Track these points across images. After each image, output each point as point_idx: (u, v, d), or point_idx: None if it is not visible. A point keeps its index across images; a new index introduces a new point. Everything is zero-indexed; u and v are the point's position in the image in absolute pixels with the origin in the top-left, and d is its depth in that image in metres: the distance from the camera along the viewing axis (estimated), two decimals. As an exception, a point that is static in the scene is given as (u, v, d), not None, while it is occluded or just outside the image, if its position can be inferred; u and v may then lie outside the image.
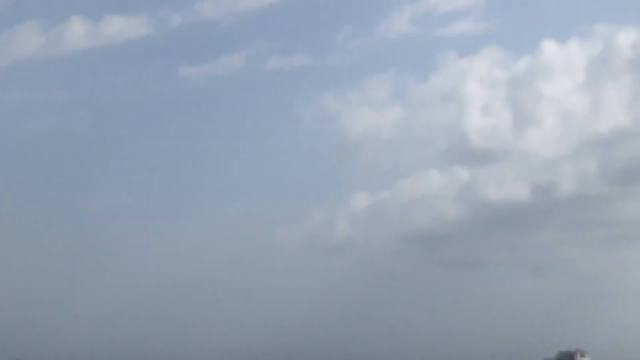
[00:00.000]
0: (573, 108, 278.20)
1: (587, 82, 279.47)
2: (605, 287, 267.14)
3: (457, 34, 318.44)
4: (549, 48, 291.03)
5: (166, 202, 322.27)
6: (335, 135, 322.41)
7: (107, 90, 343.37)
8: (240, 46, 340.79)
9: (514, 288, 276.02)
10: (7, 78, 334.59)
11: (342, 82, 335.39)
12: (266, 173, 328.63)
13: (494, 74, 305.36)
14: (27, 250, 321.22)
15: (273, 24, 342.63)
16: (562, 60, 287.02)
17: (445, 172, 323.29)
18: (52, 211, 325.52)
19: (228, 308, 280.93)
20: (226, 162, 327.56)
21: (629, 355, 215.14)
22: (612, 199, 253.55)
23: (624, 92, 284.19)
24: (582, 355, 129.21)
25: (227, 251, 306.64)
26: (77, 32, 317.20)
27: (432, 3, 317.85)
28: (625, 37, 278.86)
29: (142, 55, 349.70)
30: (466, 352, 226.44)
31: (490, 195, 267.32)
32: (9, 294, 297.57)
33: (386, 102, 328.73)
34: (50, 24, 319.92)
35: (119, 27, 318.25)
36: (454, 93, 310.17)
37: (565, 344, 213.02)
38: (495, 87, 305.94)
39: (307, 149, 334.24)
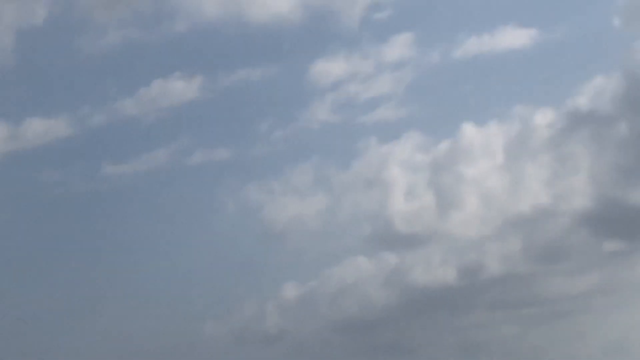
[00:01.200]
0: (494, 188, 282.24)
1: (507, 162, 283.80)
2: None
3: (377, 120, 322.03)
4: (468, 131, 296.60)
5: (87, 301, 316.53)
6: (259, 225, 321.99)
7: (29, 191, 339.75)
8: (163, 142, 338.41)
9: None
10: None
11: (266, 173, 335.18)
12: (192, 266, 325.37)
13: (415, 158, 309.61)
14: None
15: (195, 119, 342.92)
16: (482, 142, 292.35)
17: (373, 257, 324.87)
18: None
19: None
20: (150, 257, 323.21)
21: None
22: (537, 277, 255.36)
23: (543, 171, 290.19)
24: None
25: (155, 347, 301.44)
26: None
27: (352, 91, 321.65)
28: (542, 118, 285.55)
29: (64, 155, 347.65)
30: None
31: (418, 279, 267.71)
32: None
33: (310, 190, 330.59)
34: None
35: (39, 128, 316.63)
36: (376, 178, 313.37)
37: None
38: (417, 171, 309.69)
39: (231, 240, 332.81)
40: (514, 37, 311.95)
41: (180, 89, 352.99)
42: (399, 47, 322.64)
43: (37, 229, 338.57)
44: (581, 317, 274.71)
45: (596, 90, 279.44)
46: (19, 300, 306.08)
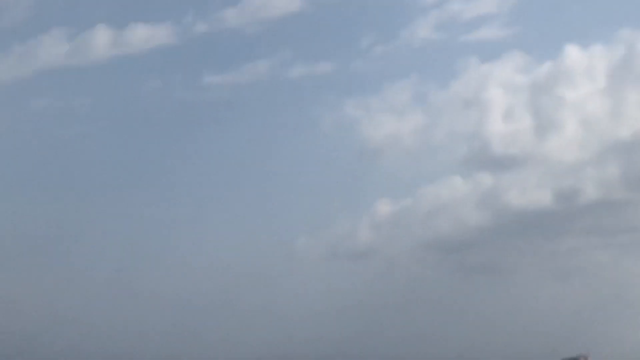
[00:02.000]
0: (594, 113, 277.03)
1: (609, 87, 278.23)
2: (629, 294, 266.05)
3: (479, 39, 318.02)
4: (571, 53, 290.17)
5: (186, 211, 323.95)
6: (355, 141, 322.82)
7: (131, 99, 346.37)
8: (264, 54, 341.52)
9: (536, 294, 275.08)
10: (32, 86, 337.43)
11: (364, 88, 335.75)
12: (286, 180, 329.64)
13: (515, 79, 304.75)
14: (48, 262, 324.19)
15: (297, 31, 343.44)
16: (584, 65, 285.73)
17: (468, 178, 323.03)
18: (72, 221, 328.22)
19: (247, 318, 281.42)
20: (247, 170, 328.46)
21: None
22: (634, 205, 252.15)
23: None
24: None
25: (247, 260, 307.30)
26: (102, 40, 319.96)
27: (456, 9, 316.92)
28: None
29: (166, 63, 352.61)
30: (487, 357, 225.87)
31: (513, 201, 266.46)
32: (22, 307, 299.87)
33: (407, 108, 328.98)
34: (76, 32, 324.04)
35: (143, 35, 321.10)
36: (475, 98, 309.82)
37: (585, 349, 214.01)
38: (516, 93, 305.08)
39: (327, 156, 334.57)
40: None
41: (284, 0, 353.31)
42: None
43: (138, 135, 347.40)
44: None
45: None
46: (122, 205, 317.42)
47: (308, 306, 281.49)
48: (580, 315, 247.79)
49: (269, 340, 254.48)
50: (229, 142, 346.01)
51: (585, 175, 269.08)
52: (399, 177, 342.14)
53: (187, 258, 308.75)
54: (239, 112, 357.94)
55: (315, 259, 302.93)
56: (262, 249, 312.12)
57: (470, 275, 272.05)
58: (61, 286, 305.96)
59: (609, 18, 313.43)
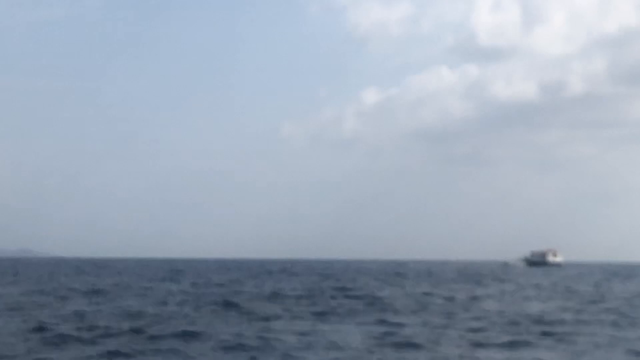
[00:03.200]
0: (582, 6, 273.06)
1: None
2: (610, 187, 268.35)
3: None
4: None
5: (173, 96, 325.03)
6: (342, 28, 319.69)
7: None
8: None
9: (520, 185, 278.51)
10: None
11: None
12: (272, 66, 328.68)
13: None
14: (41, 138, 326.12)
15: None
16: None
17: (455, 68, 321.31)
18: (66, 100, 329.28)
19: (231, 201, 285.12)
20: (232, 54, 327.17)
21: (610, 255, 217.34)
22: (620, 99, 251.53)
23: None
24: (554, 255, 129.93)
25: (232, 144, 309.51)
26: None
27: None
28: None
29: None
30: (469, 245, 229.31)
31: (499, 93, 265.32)
32: (19, 184, 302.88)
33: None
34: None
35: None
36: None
37: (562, 240, 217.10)
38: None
39: (313, 42, 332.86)
40: None
41: None
42: None
43: (127, 16, 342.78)
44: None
45: None
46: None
47: (291, 192, 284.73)
48: (561, 208, 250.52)
49: (252, 222, 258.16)
50: (216, 26, 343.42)
51: (571, 68, 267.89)
52: (385, 65, 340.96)
53: (173, 138, 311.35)
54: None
55: (300, 145, 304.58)
56: (248, 134, 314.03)
57: (453, 165, 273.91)
58: (48, 165, 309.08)
59: None
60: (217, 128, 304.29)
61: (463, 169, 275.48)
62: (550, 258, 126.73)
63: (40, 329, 20.98)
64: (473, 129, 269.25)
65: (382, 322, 23.65)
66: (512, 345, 18.83)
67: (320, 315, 25.94)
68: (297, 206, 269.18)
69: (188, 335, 19.83)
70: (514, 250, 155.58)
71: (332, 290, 42.10)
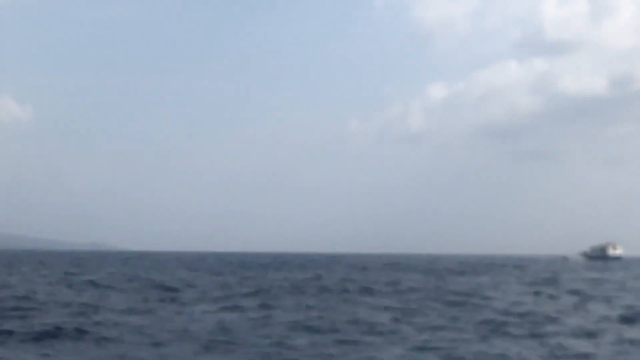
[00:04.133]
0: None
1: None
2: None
3: None
4: None
5: (242, 90, 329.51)
6: (408, 24, 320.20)
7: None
8: None
9: (588, 179, 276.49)
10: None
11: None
12: (338, 62, 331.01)
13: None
14: (104, 138, 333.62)
15: None
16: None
17: (522, 62, 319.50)
18: (128, 97, 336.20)
19: (301, 196, 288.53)
20: (300, 50, 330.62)
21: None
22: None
23: None
24: (614, 248, 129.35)
25: (301, 140, 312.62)
26: None
27: None
28: None
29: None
30: (536, 240, 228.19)
31: (567, 87, 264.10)
32: (85, 183, 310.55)
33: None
34: None
35: None
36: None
37: (629, 234, 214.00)
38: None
39: (379, 38, 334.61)
40: None
41: None
42: None
43: (191, 14, 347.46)
44: None
45: None
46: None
47: (358, 186, 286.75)
48: (629, 202, 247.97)
49: (321, 218, 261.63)
50: (285, 23, 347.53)
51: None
52: (451, 60, 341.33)
53: (242, 136, 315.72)
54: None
55: (367, 141, 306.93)
56: (315, 129, 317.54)
57: (521, 161, 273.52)
58: (111, 164, 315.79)
59: None
60: (287, 127, 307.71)
61: (531, 164, 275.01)
62: (610, 251, 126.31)
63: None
64: (541, 123, 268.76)
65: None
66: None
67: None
68: (364, 202, 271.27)
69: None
70: (582, 245, 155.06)
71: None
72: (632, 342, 14.92)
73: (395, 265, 77.47)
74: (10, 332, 15.39)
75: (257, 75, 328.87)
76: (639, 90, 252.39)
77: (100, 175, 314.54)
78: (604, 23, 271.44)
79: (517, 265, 78.59)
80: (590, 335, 16.09)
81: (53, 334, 15.15)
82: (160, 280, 36.31)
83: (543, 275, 51.51)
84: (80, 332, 15.57)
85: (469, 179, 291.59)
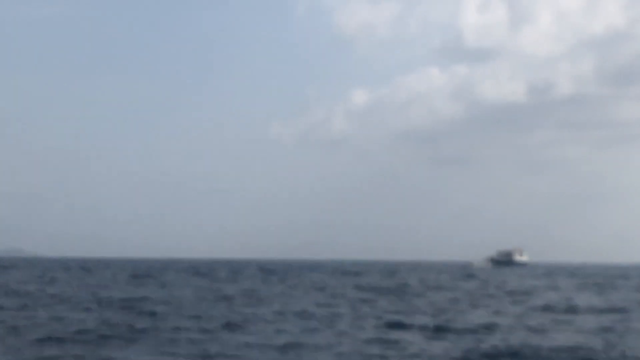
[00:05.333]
0: (569, 6, 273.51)
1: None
2: (597, 188, 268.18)
3: None
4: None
5: (163, 92, 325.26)
6: (329, 28, 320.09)
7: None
8: None
9: (508, 186, 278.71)
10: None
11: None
12: (259, 65, 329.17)
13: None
14: (33, 138, 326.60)
15: None
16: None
17: (444, 69, 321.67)
18: (62, 99, 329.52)
19: (222, 200, 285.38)
20: (221, 53, 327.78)
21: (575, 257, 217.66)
22: (607, 100, 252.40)
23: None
24: (520, 254, 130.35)
25: (222, 144, 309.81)
26: None
27: None
28: None
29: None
30: (451, 246, 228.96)
31: (487, 94, 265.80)
32: (10, 186, 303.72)
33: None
34: None
35: None
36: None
37: (550, 241, 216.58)
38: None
39: (301, 42, 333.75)
40: None
41: None
42: None
43: (117, 15, 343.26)
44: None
45: None
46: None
47: (281, 190, 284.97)
48: (546, 209, 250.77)
49: (241, 223, 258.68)
50: (205, 25, 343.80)
51: (559, 68, 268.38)
52: (373, 66, 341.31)
53: (164, 138, 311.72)
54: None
55: (289, 145, 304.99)
56: (237, 133, 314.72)
57: (442, 166, 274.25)
58: (38, 166, 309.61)
59: None
60: (206, 129, 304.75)
61: (450, 169, 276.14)
62: (517, 257, 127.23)
63: None
64: (461, 129, 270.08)
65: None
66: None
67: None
68: (286, 205, 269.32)
69: None
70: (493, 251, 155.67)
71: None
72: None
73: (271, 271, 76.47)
74: None
75: (179, 77, 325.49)
76: (557, 98, 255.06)
77: (17, 177, 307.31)
78: (523, 31, 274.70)
79: (388, 272, 77.84)
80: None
81: None
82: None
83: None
84: None
85: (388, 185, 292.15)
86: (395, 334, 18.80)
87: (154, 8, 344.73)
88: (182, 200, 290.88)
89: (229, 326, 20.09)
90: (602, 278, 69.16)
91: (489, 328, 20.33)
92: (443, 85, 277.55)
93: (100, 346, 16.49)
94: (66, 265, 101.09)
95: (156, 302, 27.92)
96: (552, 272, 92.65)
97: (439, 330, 19.65)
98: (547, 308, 27.66)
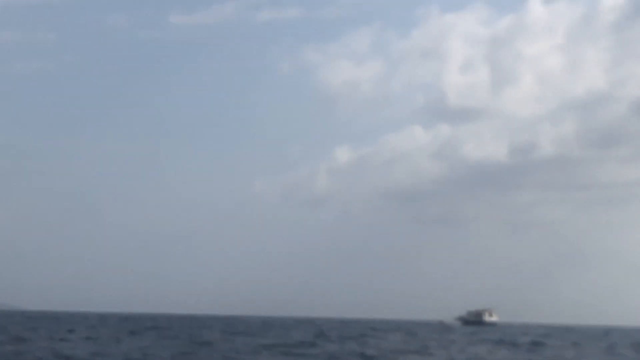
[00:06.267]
0: (552, 69, 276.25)
1: (567, 43, 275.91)
2: (581, 250, 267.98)
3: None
4: (534, 8, 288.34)
5: (148, 149, 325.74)
6: (313, 87, 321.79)
7: (96, 34, 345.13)
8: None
9: (491, 246, 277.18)
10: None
11: (324, 35, 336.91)
12: (244, 123, 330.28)
13: (476, 31, 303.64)
14: (18, 195, 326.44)
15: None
16: (545, 21, 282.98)
17: (427, 128, 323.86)
18: (43, 155, 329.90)
19: (206, 258, 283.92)
20: (207, 111, 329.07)
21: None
22: (590, 162, 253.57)
23: (604, 55, 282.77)
24: (490, 315, 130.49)
25: (207, 202, 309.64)
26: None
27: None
28: (609, 0, 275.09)
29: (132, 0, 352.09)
30: (430, 305, 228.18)
31: (470, 154, 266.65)
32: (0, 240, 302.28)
33: (366, 56, 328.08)
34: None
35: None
36: (434, 49, 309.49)
37: (526, 302, 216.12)
38: (476, 45, 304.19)
39: (285, 101, 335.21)
40: None
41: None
42: None
43: (101, 71, 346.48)
44: (634, 206, 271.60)
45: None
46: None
47: (265, 248, 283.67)
48: (531, 268, 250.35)
49: (226, 281, 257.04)
50: (191, 83, 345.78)
51: (542, 130, 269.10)
52: (357, 124, 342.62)
53: (148, 196, 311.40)
54: (202, 54, 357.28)
55: (272, 203, 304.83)
56: (220, 190, 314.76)
57: (425, 225, 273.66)
58: (25, 221, 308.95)
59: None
60: (192, 188, 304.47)
61: (433, 229, 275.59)
62: (486, 317, 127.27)
63: None
64: (445, 189, 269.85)
65: None
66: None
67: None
68: (267, 263, 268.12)
69: None
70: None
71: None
72: None
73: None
74: None
75: (165, 138, 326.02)
76: (539, 159, 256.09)
77: (9, 234, 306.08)
78: (505, 91, 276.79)
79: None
80: None
81: None
82: None
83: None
84: None
85: (370, 244, 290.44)
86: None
87: (137, 62, 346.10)
88: (159, 254, 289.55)
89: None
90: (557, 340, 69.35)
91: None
92: (427, 144, 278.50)
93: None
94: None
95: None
96: (511, 334, 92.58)
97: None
98: None
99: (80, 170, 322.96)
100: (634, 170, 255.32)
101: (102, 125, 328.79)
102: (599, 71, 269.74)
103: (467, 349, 44.44)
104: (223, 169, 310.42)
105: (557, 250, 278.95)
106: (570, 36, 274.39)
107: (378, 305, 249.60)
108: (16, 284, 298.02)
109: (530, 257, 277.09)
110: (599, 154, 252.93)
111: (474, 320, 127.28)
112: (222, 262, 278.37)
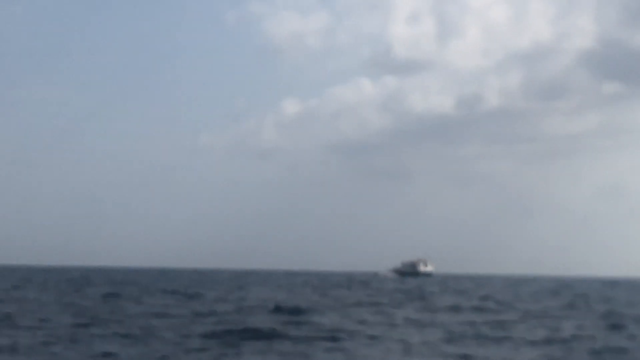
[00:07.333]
0: (497, 21, 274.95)
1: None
2: (525, 202, 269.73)
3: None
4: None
5: (91, 100, 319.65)
6: (259, 39, 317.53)
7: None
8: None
9: (436, 198, 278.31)
10: None
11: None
12: (189, 74, 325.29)
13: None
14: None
15: None
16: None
17: (374, 81, 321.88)
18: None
19: (149, 211, 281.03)
20: (150, 62, 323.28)
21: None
22: (535, 114, 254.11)
23: (549, 7, 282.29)
24: (425, 265, 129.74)
25: (150, 153, 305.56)
26: None
27: None
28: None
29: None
30: (373, 256, 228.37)
31: (416, 106, 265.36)
32: None
33: (312, 7, 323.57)
34: None
35: None
36: (380, 1, 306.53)
37: (473, 253, 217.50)
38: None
39: (230, 52, 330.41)
40: None
41: None
42: None
43: (47, 25, 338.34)
44: (577, 158, 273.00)
45: None
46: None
47: (209, 201, 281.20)
48: (477, 220, 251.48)
49: (168, 234, 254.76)
50: (133, 32, 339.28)
51: (487, 82, 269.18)
52: (304, 77, 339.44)
53: (93, 147, 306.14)
54: (145, 3, 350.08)
55: (218, 154, 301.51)
56: (166, 141, 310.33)
57: (372, 178, 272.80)
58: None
59: None
60: (135, 140, 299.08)
61: (379, 182, 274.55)
62: (421, 268, 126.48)
63: None
64: (391, 141, 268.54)
65: None
66: None
67: None
68: (214, 216, 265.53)
69: None
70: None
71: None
72: None
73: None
74: None
75: (106, 88, 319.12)
76: (485, 111, 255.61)
77: None
78: (451, 43, 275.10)
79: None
80: None
81: None
82: None
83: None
84: None
85: (317, 196, 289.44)
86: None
87: (75, 12, 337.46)
88: (107, 208, 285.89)
89: None
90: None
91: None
92: (374, 97, 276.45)
93: None
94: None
95: None
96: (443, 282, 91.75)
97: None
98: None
99: (24, 122, 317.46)
100: (578, 122, 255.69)
101: (39, 79, 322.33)
102: (545, 23, 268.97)
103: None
104: (168, 121, 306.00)
105: (502, 202, 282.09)
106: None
107: (318, 258, 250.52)
108: None
109: (475, 209, 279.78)
110: (543, 106, 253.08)
111: (408, 271, 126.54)
112: (164, 216, 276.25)
